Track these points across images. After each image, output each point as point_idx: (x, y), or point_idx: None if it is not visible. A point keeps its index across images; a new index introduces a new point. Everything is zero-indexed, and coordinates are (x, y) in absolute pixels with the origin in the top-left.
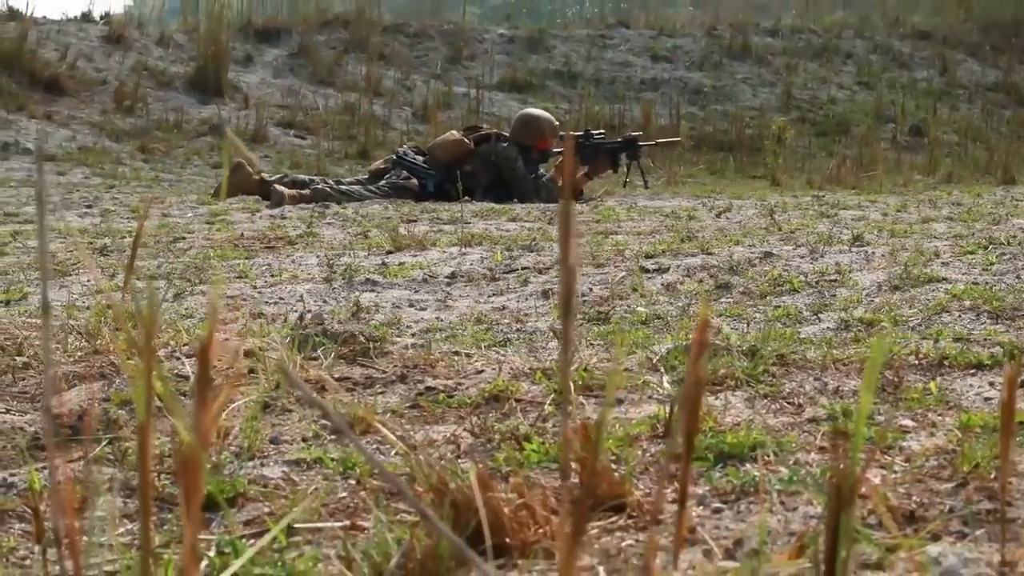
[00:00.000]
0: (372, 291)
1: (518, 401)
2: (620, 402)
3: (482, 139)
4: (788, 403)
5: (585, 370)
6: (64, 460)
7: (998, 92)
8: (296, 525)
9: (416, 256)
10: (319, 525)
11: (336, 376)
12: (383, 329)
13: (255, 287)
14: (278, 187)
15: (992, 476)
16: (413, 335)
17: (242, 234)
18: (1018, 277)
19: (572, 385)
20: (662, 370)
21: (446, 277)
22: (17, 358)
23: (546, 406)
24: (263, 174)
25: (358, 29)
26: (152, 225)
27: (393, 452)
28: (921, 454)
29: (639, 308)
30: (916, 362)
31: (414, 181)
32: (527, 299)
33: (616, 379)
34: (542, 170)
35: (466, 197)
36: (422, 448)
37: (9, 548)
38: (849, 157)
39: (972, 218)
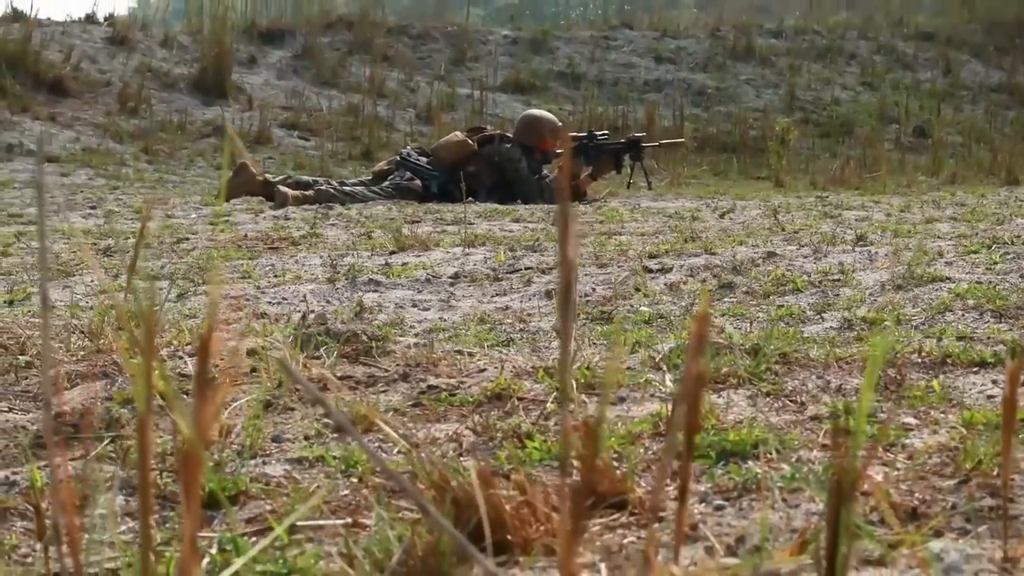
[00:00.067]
0: (375, 291)
1: (520, 399)
2: (622, 400)
3: (486, 140)
4: (791, 401)
5: (587, 369)
6: (65, 458)
7: (1002, 93)
8: (298, 523)
9: (419, 256)
10: (321, 523)
11: (338, 375)
12: (386, 329)
13: (258, 287)
14: (282, 188)
15: (995, 473)
16: (416, 335)
17: (246, 235)
18: (1022, 276)
19: (574, 384)
20: (664, 368)
21: (449, 277)
22: (20, 357)
23: (548, 404)
24: (267, 175)
25: (362, 31)
26: (156, 226)
27: (395, 451)
28: (924, 451)
29: (642, 308)
30: (919, 360)
31: (418, 182)
32: (530, 299)
33: (615, 374)
34: (545, 171)
35: (470, 198)
36: (424, 446)
37: (11, 546)
38: (853, 158)
39: (976, 218)
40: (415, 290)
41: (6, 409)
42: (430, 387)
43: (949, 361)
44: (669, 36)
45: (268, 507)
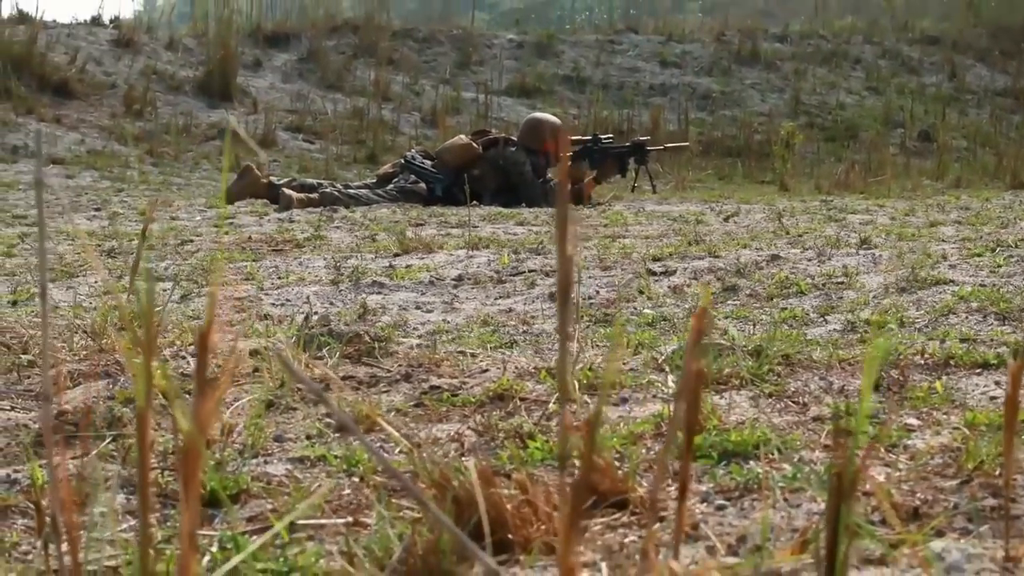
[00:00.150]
0: (379, 293)
1: (522, 400)
2: (625, 401)
3: (490, 143)
4: (793, 402)
5: (590, 370)
6: (66, 456)
7: (1007, 97)
8: (299, 521)
9: (423, 259)
10: (322, 521)
11: (341, 375)
12: (388, 330)
13: (262, 289)
14: (286, 191)
15: (997, 473)
16: (419, 337)
17: (250, 237)
18: None
19: (576, 384)
20: (667, 370)
21: (453, 279)
22: (22, 356)
23: (550, 405)
24: (271, 178)
25: (367, 34)
26: (160, 228)
27: (397, 450)
28: (926, 452)
29: (645, 310)
30: (922, 362)
31: (422, 185)
32: (534, 301)
33: (615, 373)
34: (550, 174)
35: (474, 201)
36: (425, 445)
37: (12, 543)
38: (858, 162)
39: (980, 222)
40: (418, 292)
41: (8, 408)
42: (432, 387)
43: (952, 363)
44: (674, 40)
45: (269, 506)
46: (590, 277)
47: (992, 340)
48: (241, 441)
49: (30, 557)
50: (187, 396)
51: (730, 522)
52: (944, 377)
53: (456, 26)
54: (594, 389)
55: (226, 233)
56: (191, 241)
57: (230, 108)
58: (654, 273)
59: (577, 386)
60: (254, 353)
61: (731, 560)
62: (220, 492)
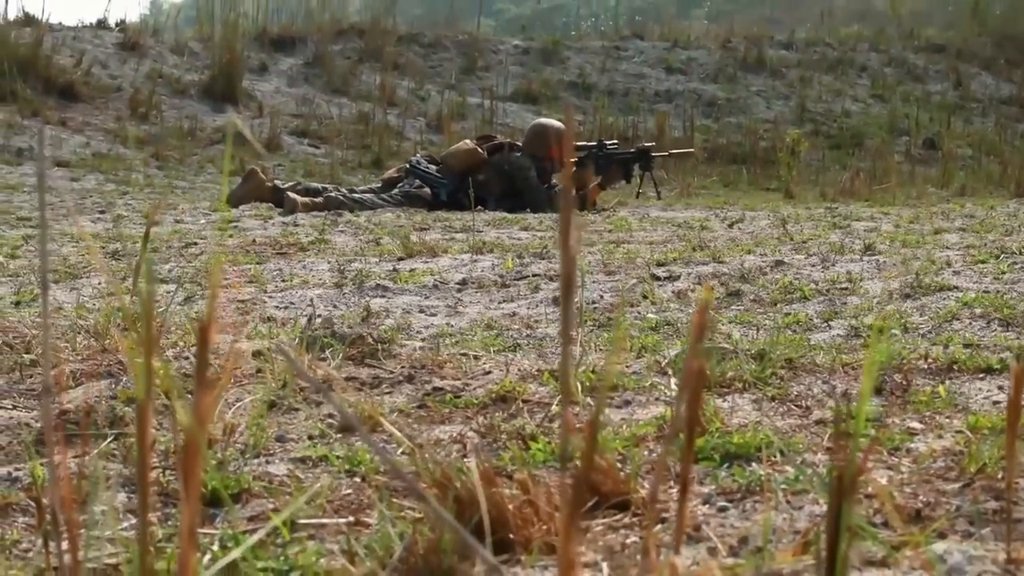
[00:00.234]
0: (382, 296)
1: (525, 402)
2: (628, 404)
3: (495, 149)
4: (796, 406)
5: (592, 372)
6: (66, 454)
7: (1012, 106)
8: (300, 521)
9: (427, 263)
10: (323, 521)
11: (343, 376)
12: (392, 332)
13: (265, 291)
14: (291, 195)
15: (999, 476)
16: (423, 340)
17: (254, 240)
18: None
19: (579, 386)
20: (670, 373)
21: (457, 283)
22: (25, 355)
23: (553, 407)
24: (276, 182)
25: (373, 39)
26: (164, 231)
27: (400, 451)
28: (928, 455)
29: (649, 315)
30: (925, 366)
31: (427, 190)
32: (538, 305)
33: (616, 365)
34: (555, 180)
35: (479, 206)
36: (427, 446)
37: (13, 541)
38: (863, 170)
39: (984, 229)
40: (422, 296)
41: (10, 407)
42: (435, 389)
43: (955, 367)
44: (680, 47)
45: (271, 505)
46: (594, 282)
47: (995, 346)
48: (243, 441)
49: (30, 554)
50: (188, 396)
51: (732, 524)
52: (947, 381)
53: (462, 31)
54: (597, 391)
55: (230, 236)
56: (195, 244)
57: (235, 112)
58: (658, 278)
59: (580, 388)
60: (257, 354)
61: (732, 561)
62: (222, 491)
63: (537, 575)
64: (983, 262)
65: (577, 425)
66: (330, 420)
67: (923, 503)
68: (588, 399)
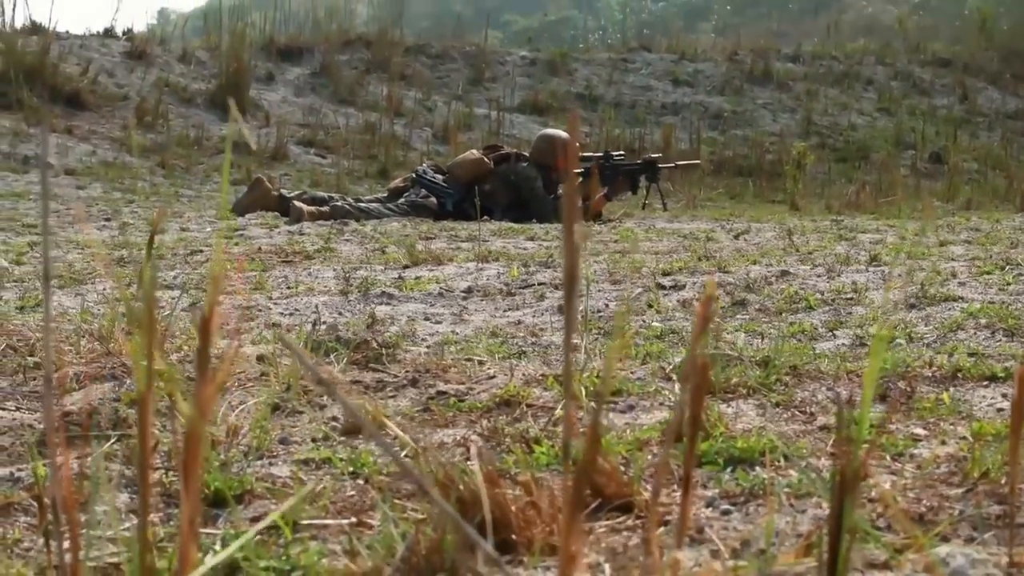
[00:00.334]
0: (388, 304)
1: (529, 406)
2: (632, 408)
3: (502, 159)
4: (800, 412)
5: (596, 377)
6: (68, 455)
7: (1018, 120)
8: (303, 522)
9: (433, 271)
10: (326, 522)
11: (347, 380)
12: (397, 338)
13: (270, 298)
14: (297, 203)
15: (1002, 482)
16: (428, 347)
17: (259, 248)
18: None
19: (583, 390)
20: (674, 379)
21: (462, 291)
22: (28, 358)
23: (557, 411)
24: (282, 191)
25: (380, 49)
26: (170, 239)
27: (403, 453)
28: (932, 460)
29: (654, 323)
30: (930, 374)
31: (433, 200)
32: (543, 314)
33: (617, 359)
34: (561, 191)
35: (485, 216)
36: (431, 448)
37: (14, 540)
38: (869, 183)
39: (990, 242)
40: (427, 303)
41: (13, 408)
42: (439, 393)
43: (960, 375)
44: (687, 59)
45: (273, 506)
46: (599, 290)
47: (1000, 355)
48: (246, 443)
49: (32, 553)
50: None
51: (735, 526)
52: (951, 389)
53: (469, 43)
54: (601, 385)
55: (235, 244)
56: (200, 251)
57: (242, 121)
58: (663, 287)
59: (583, 392)
60: (260, 359)
61: (735, 563)
62: (224, 491)
63: (539, 575)
64: (988, 273)
65: (580, 430)
66: (334, 423)
67: (926, 507)
68: (591, 403)
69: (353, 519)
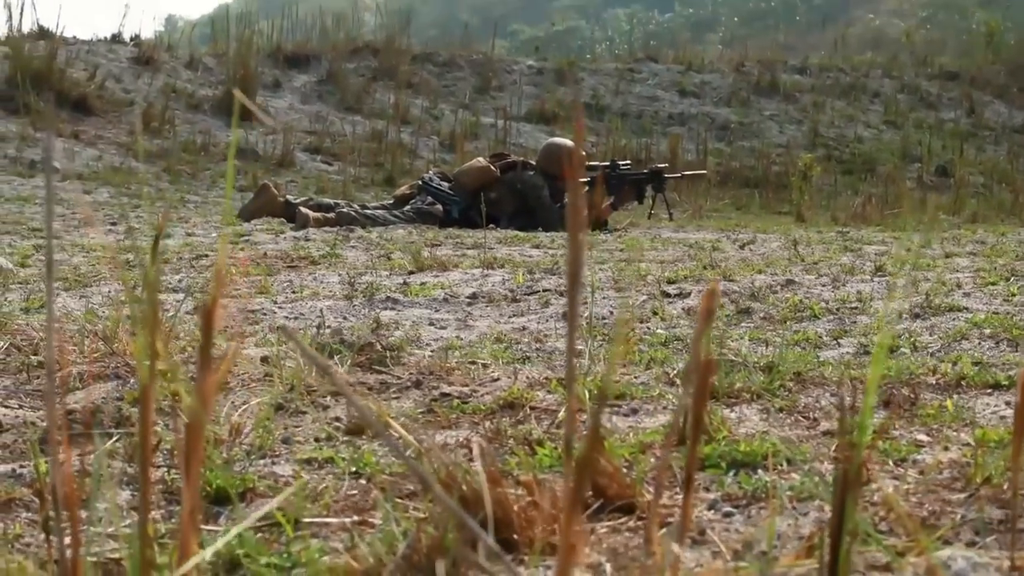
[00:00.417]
0: (392, 309)
1: (533, 409)
2: (635, 412)
3: (508, 167)
4: (803, 417)
5: (600, 381)
6: (70, 452)
7: None
8: (305, 520)
9: (438, 277)
10: (328, 520)
11: (351, 382)
12: (401, 342)
13: (275, 302)
14: (303, 209)
15: (1005, 487)
16: (432, 351)
17: (265, 253)
18: None
19: (586, 394)
20: (678, 383)
21: (467, 297)
22: (32, 357)
23: (560, 413)
24: (288, 197)
25: (387, 57)
26: (176, 243)
27: (407, 454)
28: (934, 466)
29: (659, 330)
30: (933, 381)
31: (439, 207)
32: (548, 320)
33: (619, 353)
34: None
35: (491, 224)
36: (434, 448)
37: (15, 535)
38: (875, 195)
39: (995, 254)
40: (432, 309)
41: (17, 406)
42: (443, 395)
43: (963, 383)
44: (694, 70)
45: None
46: (604, 298)
47: (1004, 364)
48: (249, 442)
49: (32, 548)
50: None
51: (736, 529)
52: (955, 396)
53: (476, 51)
54: (603, 402)
55: (242, 250)
56: (205, 256)
57: (249, 128)
58: (668, 295)
59: (586, 395)
60: (264, 360)
61: (736, 564)
62: (227, 489)
63: (540, 575)
64: (993, 284)
65: (583, 432)
66: (337, 424)
67: (928, 512)
68: (593, 404)
69: (355, 517)
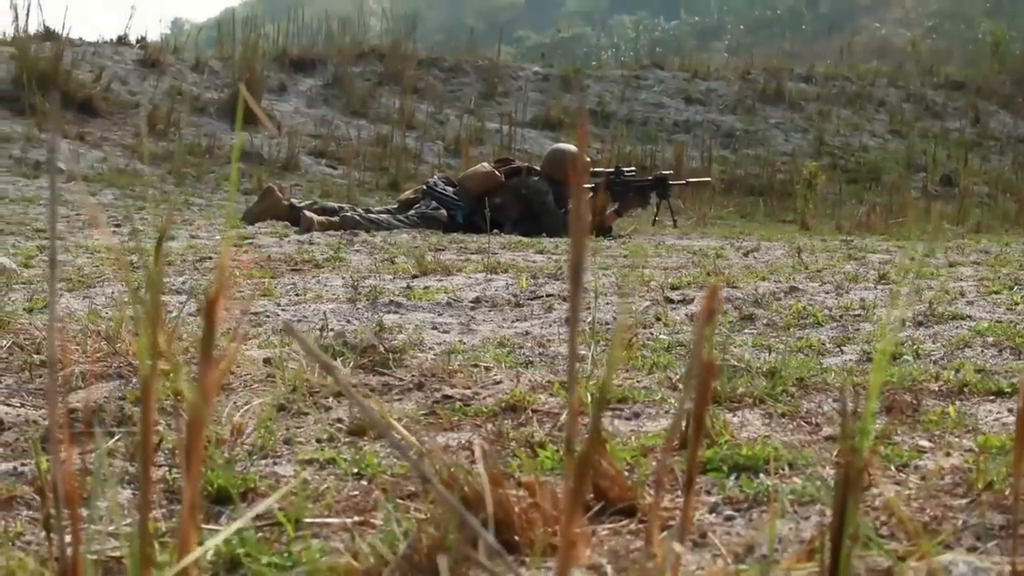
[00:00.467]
0: (396, 313)
1: (535, 411)
2: (637, 416)
3: (513, 172)
4: (805, 422)
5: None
6: (71, 450)
7: None
8: (306, 520)
9: (441, 281)
10: (329, 520)
11: (353, 383)
12: (404, 345)
13: (279, 305)
14: (307, 213)
15: (1006, 492)
16: (435, 355)
17: (269, 256)
18: None
19: (588, 397)
20: (680, 388)
21: (470, 301)
22: (35, 356)
23: (562, 416)
24: (292, 200)
25: (393, 62)
26: (180, 245)
27: (411, 453)
28: (936, 472)
29: (661, 336)
30: (936, 388)
31: (443, 212)
32: (551, 325)
33: (619, 353)
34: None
35: (495, 229)
36: (435, 449)
37: (16, 533)
38: (879, 204)
39: (999, 263)
40: (436, 313)
41: (19, 405)
42: (445, 397)
43: (966, 390)
44: (699, 78)
45: (276, 505)
46: (607, 303)
47: (1007, 371)
48: (251, 442)
49: (33, 546)
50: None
51: (738, 532)
52: (957, 403)
53: (482, 57)
54: (605, 403)
55: (245, 252)
56: (209, 258)
57: (254, 131)
58: (672, 301)
59: (589, 399)
60: (267, 362)
61: (737, 567)
62: (228, 489)
63: (541, 575)
64: (996, 293)
65: (584, 435)
66: (339, 425)
67: (930, 517)
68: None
69: (356, 518)
